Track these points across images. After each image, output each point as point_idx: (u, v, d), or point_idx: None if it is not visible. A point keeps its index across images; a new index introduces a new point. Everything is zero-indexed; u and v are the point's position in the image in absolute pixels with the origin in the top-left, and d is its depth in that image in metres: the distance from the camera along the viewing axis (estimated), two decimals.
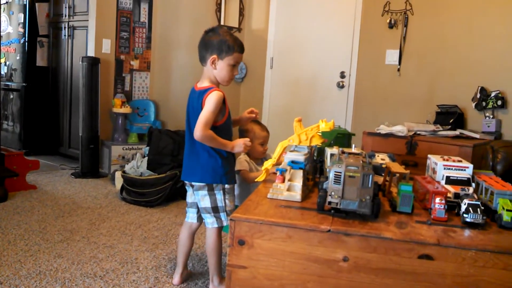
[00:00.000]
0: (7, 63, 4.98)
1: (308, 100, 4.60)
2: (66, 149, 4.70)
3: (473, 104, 3.56)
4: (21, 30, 4.73)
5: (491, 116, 3.46)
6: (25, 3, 4.67)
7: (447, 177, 1.49)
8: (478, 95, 3.51)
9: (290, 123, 1.57)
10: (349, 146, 2.04)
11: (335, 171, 1.26)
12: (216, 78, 1.88)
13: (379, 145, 3.21)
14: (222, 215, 1.91)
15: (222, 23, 4.74)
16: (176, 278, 2.07)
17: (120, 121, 4.23)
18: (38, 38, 4.76)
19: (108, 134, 4.30)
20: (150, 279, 2.11)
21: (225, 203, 1.90)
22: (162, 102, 4.60)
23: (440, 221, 1.30)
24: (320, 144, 1.58)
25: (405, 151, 3.14)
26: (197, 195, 1.93)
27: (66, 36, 4.55)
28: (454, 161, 1.59)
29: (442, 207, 1.31)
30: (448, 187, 1.46)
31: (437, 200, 1.32)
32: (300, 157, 1.46)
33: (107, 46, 4.22)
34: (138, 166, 3.49)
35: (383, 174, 1.63)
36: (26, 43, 4.70)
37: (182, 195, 3.28)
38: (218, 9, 4.74)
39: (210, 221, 1.92)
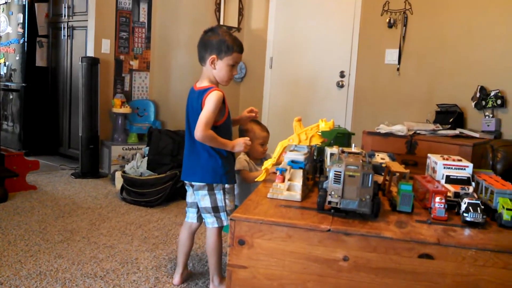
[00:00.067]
0: (7, 63, 4.98)
1: (307, 100, 4.60)
2: (66, 149, 4.70)
3: (473, 104, 3.56)
4: (21, 30, 4.73)
5: (491, 115, 3.46)
6: (24, 3, 4.66)
7: (447, 176, 1.49)
8: (478, 94, 3.51)
9: (290, 122, 1.57)
10: (349, 145, 2.04)
11: (335, 171, 1.26)
12: (216, 78, 1.88)
13: (379, 144, 3.21)
14: (222, 215, 1.91)
15: (221, 23, 4.74)
16: (177, 278, 2.07)
17: (120, 121, 4.23)
18: (38, 38, 4.76)
19: (108, 134, 4.30)
20: (151, 279, 2.11)
21: (225, 203, 1.90)
22: (162, 102, 4.60)
23: (440, 220, 1.30)
24: (320, 144, 1.58)
25: (405, 151, 3.14)
26: (197, 195, 1.93)
27: (65, 36, 4.55)
28: (454, 160, 1.59)
29: (442, 206, 1.31)
30: (448, 186, 1.46)
31: (437, 199, 1.32)
32: (300, 156, 1.46)
33: (107, 46, 4.22)
34: (138, 166, 3.49)
35: (383, 174, 1.63)
36: (26, 43, 4.70)
37: (182, 195, 3.29)
38: (218, 9, 4.74)
39: (210, 221, 1.92)
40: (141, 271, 2.18)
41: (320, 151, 1.87)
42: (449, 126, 3.37)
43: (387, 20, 4.01)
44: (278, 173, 1.46)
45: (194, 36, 2.17)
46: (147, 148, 3.65)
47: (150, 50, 4.51)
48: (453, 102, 3.62)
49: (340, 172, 1.25)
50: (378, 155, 1.81)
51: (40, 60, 4.81)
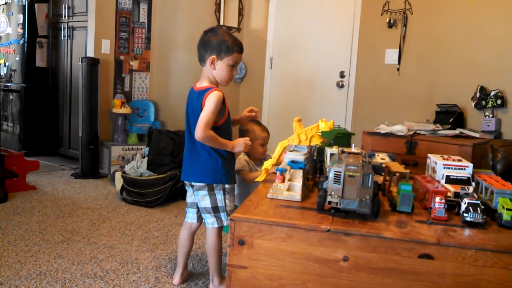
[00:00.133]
0: (7, 64, 4.99)
1: (307, 100, 4.60)
2: (66, 149, 4.70)
3: (473, 103, 3.56)
4: (21, 30, 4.73)
5: (491, 115, 3.46)
6: (24, 3, 4.67)
7: (447, 177, 1.49)
8: (478, 94, 3.51)
9: (290, 123, 1.57)
10: (349, 145, 2.05)
11: (335, 171, 1.26)
12: (215, 78, 1.88)
13: (379, 144, 3.21)
14: (222, 215, 1.91)
15: (221, 23, 4.74)
16: (177, 278, 2.07)
17: (119, 122, 4.23)
18: (38, 39, 4.77)
19: (108, 135, 4.30)
20: (151, 279, 2.11)
21: (225, 203, 1.90)
22: (162, 102, 4.60)
23: (440, 220, 1.30)
24: (320, 144, 1.58)
25: (405, 151, 3.14)
26: (197, 195, 1.93)
27: (65, 37, 4.55)
28: (454, 160, 1.60)
29: (442, 206, 1.31)
30: (448, 186, 1.46)
31: (437, 199, 1.32)
32: (300, 157, 1.46)
33: (107, 46, 4.22)
34: (138, 167, 3.49)
35: (383, 174, 1.63)
36: (26, 44, 4.71)
37: (182, 195, 3.29)
38: (218, 9, 4.74)
39: (210, 221, 1.92)
40: (141, 271, 2.18)
41: (320, 151, 1.87)
42: (449, 126, 3.37)
43: (387, 20, 4.01)
44: (278, 173, 1.46)
45: (194, 36, 2.17)
46: (147, 148, 3.65)
47: (150, 51, 4.51)
48: (453, 102, 3.62)
49: (340, 172, 1.25)
50: (378, 155, 1.81)
51: (40, 60, 4.81)
